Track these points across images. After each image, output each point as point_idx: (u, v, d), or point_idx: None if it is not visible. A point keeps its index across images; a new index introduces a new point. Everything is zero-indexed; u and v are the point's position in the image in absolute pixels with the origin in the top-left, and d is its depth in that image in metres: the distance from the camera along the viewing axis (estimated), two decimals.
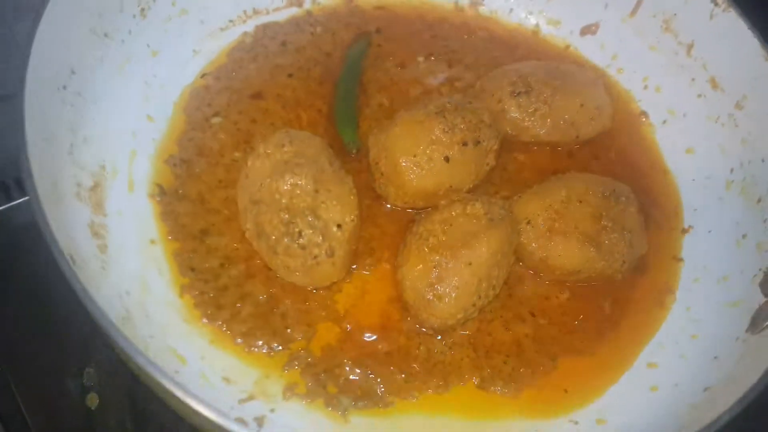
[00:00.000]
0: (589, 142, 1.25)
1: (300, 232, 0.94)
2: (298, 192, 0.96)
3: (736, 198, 1.12)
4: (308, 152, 1.01)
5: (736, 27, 1.12)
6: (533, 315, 1.07)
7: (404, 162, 1.05)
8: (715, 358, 0.93)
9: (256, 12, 1.31)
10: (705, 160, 1.19)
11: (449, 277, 0.97)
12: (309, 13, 1.36)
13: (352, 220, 0.98)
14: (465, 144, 1.07)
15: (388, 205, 1.12)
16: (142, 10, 1.14)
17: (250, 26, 1.30)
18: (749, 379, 0.79)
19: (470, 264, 0.98)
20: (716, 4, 1.14)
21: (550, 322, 1.06)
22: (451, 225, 1.01)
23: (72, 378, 1.05)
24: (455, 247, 0.98)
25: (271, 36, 1.30)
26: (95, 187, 1.00)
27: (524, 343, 1.05)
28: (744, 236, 1.08)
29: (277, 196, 0.96)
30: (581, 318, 1.08)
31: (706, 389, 0.86)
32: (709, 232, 1.14)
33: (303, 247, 0.94)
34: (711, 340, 0.99)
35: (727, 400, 0.77)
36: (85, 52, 1.02)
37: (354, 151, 1.14)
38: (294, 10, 1.35)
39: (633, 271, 1.11)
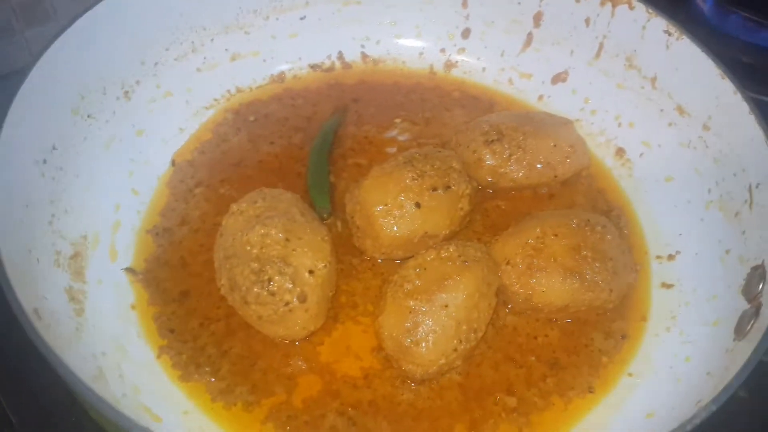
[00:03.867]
0: (569, 183, 1.25)
1: (269, 279, 0.95)
2: (269, 242, 0.97)
3: (715, 216, 1.10)
4: (280, 206, 1.04)
5: (692, 52, 1.14)
6: (522, 354, 1.04)
7: (376, 212, 1.06)
8: (708, 373, 0.89)
9: (239, 90, 1.38)
10: (684, 186, 1.18)
11: (425, 321, 0.95)
12: (290, 89, 1.42)
13: (325, 266, 0.99)
14: (435, 189, 1.08)
15: (380, 260, 1.11)
16: (126, 92, 1.21)
17: (234, 104, 1.36)
18: (727, 379, 0.75)
19: (446, 306, 0.96)
20: (669, 34, 1.18)
21: (539, 360, 1.03)
22: (425, 269, 1.00)
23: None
24: (430, 291, 0.97)
25: (254, 110, 1.37)
26: (75, 256, 1.03)
27: (515, 383, 1.01)
28: (727, 252, 1.05)
29: (248, 248, 0.98)
30: (573, 354, 1.04)
31: (697, 403, 0.81)
32: (696, 254, 1.12)
33: (273, 294, 0.94)
34: (704, 359, 0.94)
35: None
36: (66, 131, 1.08)
37: (325, 215, 1.15)
38: (275, 88, 1.41)
39: (624, 300, 1.08)
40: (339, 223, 1.16)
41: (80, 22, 1.07)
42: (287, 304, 0.95)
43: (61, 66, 1.04)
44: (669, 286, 1.11)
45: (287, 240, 0.98)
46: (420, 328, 0.95)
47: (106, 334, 0.97)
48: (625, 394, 1.00)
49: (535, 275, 1.03)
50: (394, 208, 1.06)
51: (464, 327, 0.97)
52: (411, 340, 0.95)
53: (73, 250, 1.03)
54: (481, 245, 1.06)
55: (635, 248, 1.17)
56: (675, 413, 0.88)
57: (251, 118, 1.35)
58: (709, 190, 1.13)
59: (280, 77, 1.42)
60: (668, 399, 0.93)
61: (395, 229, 1.06)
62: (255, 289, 0.95)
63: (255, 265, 0.96)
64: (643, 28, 1.22)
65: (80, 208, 1.07)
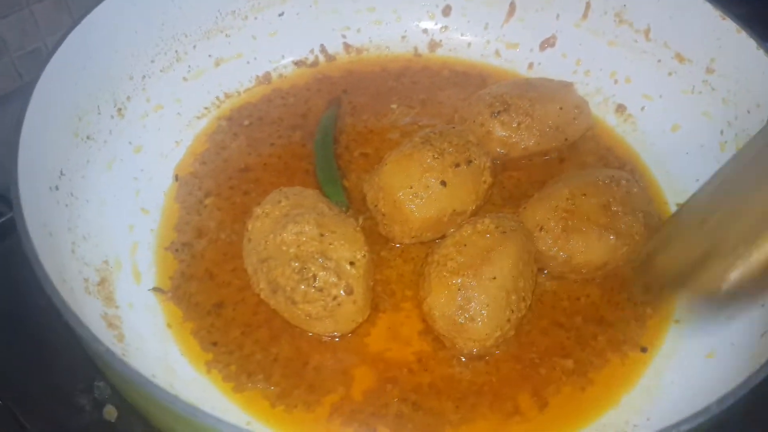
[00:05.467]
0: (577, 145, 1.26)
1: (314, 276, 0.92)
2: (304, 239, 0.95)
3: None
4: (305, 203, 1.01)
5: None
6: (569, 317, 1.04)
7: (402, 196, 1.04)
8: (763, 306, 0.90)
9: (228, 96, 1.34)
10: (693, 131, 1.20)
11: (477, 295, 0.94)
12: (278, 88, 1.39)
13: (364, 256, 0.97)
14: (458, 165, 1.07)
15: (397, 245, 1.10)
16: (119, 110, 1.17)
17: (225, 110, 1.32)
18: None
19: (495, 278, 0.95)
20: None
21: (586, 320, 1.03)
22: (465, 245, 0.99)
23: (82, 394, 0.98)
24: (475, 265, 0.96)
25: (247, 114, 1.33)
26: (102, 282, 0.99)
27: (568, 346, 1.01)
28: None
29: (284, 248, 0.95)
30: (617, 309, 1.05)
31: (763, 335, 0.82)
32: None
33: (320, 290, 0.92)
34: None
35: None
36: (71, 155, 1.03)
37: (344, 210, 1.12)
38: (264, 89, 1.37)
39: None
40: (360, 218, 1.13)
41: (67, 43, 1.02)
42: (335, 298, 0.93)
43: (56, 90, 0.99)
44: None
45: (322, 235, 0.96)
46: (472, 304, 0.94)
47: (150, 357, 0.93)
48: (678, 340, 1.00)
49: (571, 237, 1.03)
50: (420, 190, 1.04)
51: (513, 297, 0.96)
52: (466, 317, 0.94)
53: (98, 277, 0.99)
54: (513, 215, 1.05)
55: (654, 200, 1.18)
56: (736, 349, 0.89)
57: (246, 123, 1.31)
58: (722, 132, 1.14)
59: (266, 77, 1.39)
60: (724, 337, 0.94)
61: (424, 210, 1.04)
62: (301, 288, 0.92)
63: (296, 264, 0.93)
64: None
65: (96, 234, 1.03)
